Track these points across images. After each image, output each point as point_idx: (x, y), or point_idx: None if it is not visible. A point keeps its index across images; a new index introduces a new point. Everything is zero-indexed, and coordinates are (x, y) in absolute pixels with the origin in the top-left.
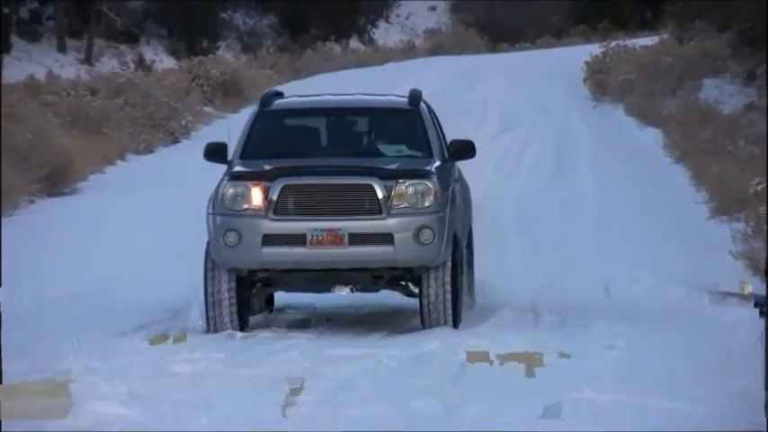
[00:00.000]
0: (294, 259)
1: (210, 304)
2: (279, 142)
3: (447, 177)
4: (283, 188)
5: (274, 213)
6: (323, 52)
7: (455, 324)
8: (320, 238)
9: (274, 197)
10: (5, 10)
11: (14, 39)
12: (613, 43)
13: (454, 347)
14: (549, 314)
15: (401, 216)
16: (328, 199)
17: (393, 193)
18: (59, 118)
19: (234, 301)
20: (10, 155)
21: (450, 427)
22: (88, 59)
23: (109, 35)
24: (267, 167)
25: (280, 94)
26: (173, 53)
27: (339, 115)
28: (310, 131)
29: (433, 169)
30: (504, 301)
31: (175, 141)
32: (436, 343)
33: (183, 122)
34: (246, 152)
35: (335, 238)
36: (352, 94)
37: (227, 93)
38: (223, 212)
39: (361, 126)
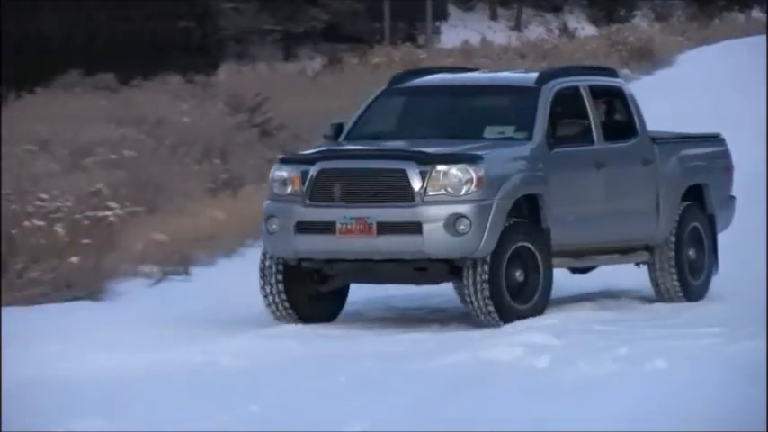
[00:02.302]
0: (325, 249)
1: (264, 296)
2: (386, 123)
3: (520, 163)
4: (319, 173)
5: (310, 200)
6: (728, 20)
7: (503, 320)
8: (350, 226)
9: (310, 182)
10: None
11: (451, 8)
12: None
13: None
14: None
15: (434, 204)
16: (360, 185)
17: (428, 179)
18: None
19: (282, 292)
20: None
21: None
22: (517, 27)
23: (536, 5)
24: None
25: (427, 72)
26: (593, 21)
27: (456, 94)
28: (420, 111)
29: (486, 154)
30: None
31: None
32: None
33: None
34: (352, 132)
35: (364, 227)
36: (488, 72)
37: (642, 57)
38: (270, 198)
39: (475, 105)
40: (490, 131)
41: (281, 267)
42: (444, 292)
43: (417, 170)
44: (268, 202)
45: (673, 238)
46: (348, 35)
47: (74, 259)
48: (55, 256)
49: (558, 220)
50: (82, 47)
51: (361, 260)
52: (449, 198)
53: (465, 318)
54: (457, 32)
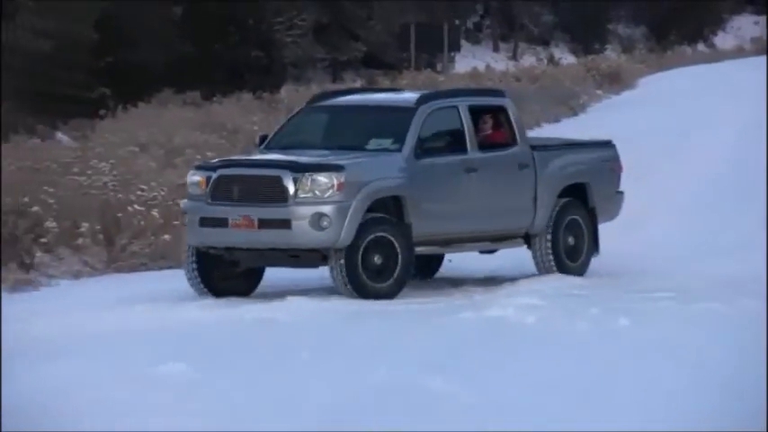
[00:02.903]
0: (221, 239)
1: (186, 276)
2: (296, 136)
3: (383, 171)
4: (218, 178)
5: (211, 199)
6: (679, 52)
7: (361, 296)
8: (238, 221)
9: (212, 185)
10: (456, 22)
11: (463, 42)
12: None
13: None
14: None
15: (302, 204)
16: (248, 188)
17: (299, 184)
18: None
19: (196, 273)
20: None
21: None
22: (514, 57)
23: (529, 39)
24: (219, 159)
25: (342, 93)
26: (573, 53)
27: (352, 112)
28: (321, 126)
29: (348, 163)
30: None
31: (575, 114)
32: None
33: (581, 101)
34: (272, 143)
35: (249, 222)
36: (381, 92)
37: (611, 81)
38: (187, 197)
39: (366, 122)
40: (373, 143)
41: (194, 253)
42: (460, 266)
43: (291, 177)
44: (185, 200)
45: (550, 228)
46: (382, 62)
47: (166, 237)
48: (151, 234)
49: (422, 216)
50: (174, 71)
51: (249, 248)
52: (315, 199)
53: (476, 283)
54: (467, 61)
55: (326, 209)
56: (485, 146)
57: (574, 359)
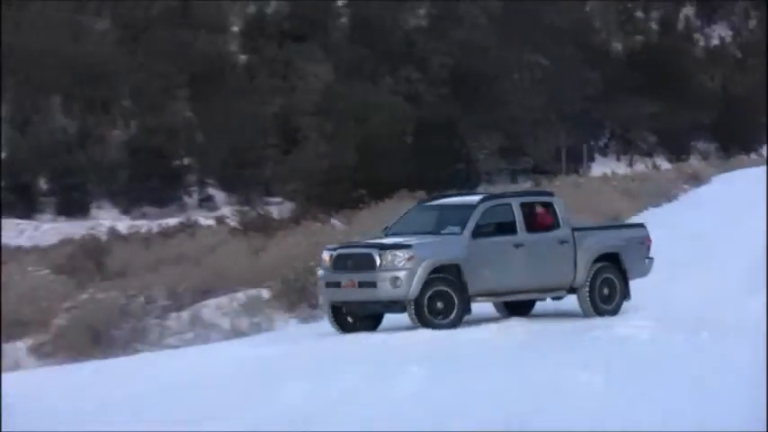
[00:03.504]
0: (338, 296)
1: (329, 320)
2: (404, 226)
3: (444, 247)
4: (337, 255)
5: (332, 269)
6: (739, 159)
7: (426, 327)
8: (347, 283)
9: (333, 260)
10: (591, 142)
11: (596, 155)
12: None
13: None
14: None
15: (384, 271)
16: (353, 261)
17: (383, 258)
18: (617, 192)
19: (333, 319)
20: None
21: None
22: (630, 164)
23: (640, 153)
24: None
25: (442, 196)
26: (669, 161)
27: (440, 209)
28: (421, 218)
29: (416, 243)
30: None
31: (669, 201)
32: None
33: (673, 192)
34: (390, 231)
35: (353, 284)
36: (461, 194)
37: (694, 178)
38: (321, 268)
39: (446, 214)
40: (447, 229)
41: (329, 306)
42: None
43: (378, 253)
44: (319, 270)
45: (588, 283)
46: (544, 170)
47: None
48: None
49: (477, 277)
50: (407, 178)
51: (355, 301)
52: (393, 268)
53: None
54: (600, 168)
55: (400, 273)
56: (532, 229)
57: (674, 358)
